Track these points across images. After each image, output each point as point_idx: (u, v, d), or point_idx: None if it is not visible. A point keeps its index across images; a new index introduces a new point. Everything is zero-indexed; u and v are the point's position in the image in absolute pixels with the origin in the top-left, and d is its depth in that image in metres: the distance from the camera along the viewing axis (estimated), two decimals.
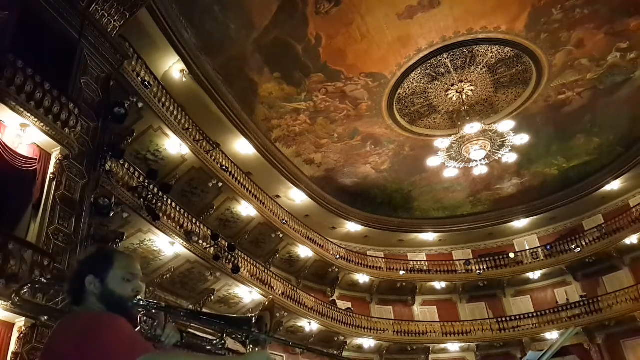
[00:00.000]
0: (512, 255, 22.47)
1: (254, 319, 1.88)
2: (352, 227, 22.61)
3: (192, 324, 2.00)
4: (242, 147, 17.21)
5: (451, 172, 16.88)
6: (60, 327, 1.77)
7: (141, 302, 1.87)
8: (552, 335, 19.53)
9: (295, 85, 16.67)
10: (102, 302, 1.77)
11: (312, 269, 20.97)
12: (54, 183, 8.41)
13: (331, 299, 21.54)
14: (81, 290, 1.80)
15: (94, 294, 1.78)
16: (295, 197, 20.21)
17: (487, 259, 22.81)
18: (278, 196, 19.84)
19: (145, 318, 1.92)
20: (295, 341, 18.84)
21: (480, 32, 15.18)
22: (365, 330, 20.46)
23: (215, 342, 2.01)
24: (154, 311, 1.92)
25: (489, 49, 15.99)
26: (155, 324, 1.92)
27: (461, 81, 17.07)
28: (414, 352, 21.27)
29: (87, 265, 1.85)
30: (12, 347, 7.11)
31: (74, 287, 1.83)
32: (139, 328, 1.87)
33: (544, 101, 18.00)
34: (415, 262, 23.58)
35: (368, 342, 20.51)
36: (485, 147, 15.25)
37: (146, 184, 12.35)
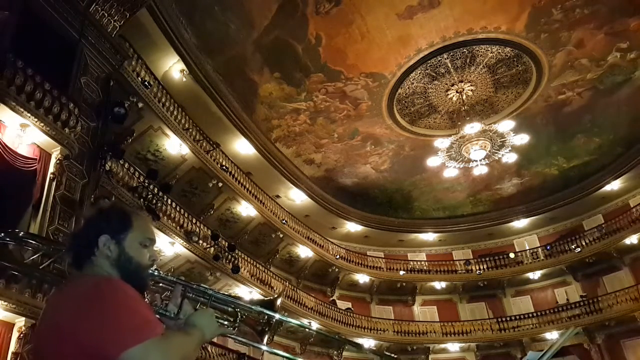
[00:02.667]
0: (512, 255, 22.45)
1: (278, 300, 1.76)
2: (352, 227, 22.60)
3: (207, 304, 1.78)
4: (242, 147, 17.21)
5: (451, 172, 16.87)
6: (58, 293, 1.51)
7: (156, 274, 1.67)
8: (552, 335, 19.51)
9: (295, 85, 16.66)
10: (116, 268, 1.52)
11: (312, 269, 20.97)
12: (54, 183, 8.42)
13: (331, 299, 21.54)
14: (89, 251, 1.53)
15: (107, 256, 1.52)
16: (295, 197, 20.21)
17: (487, 259, 22.80)
18: (278, 196, 19.83)
19: (155, 292, 1.74)
20: (295, 341, 18.88)
21: (480, 32, 15.18)
22: (365, 330, 20.47)
23: (226, 324, 1.83)
24: (165, 285, 1.72)
25: (489, 49, 15.98)
26: (167, 298, 1.72)
27: (461, 81, 17.06)
28: (414, 352, 21.27)
29: (101, 223, 1.56)
30: (12, 347, 7.12)
31: (81, 247, 1.55)
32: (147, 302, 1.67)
33: (544, 101, 18.00)
34: (415, 262, 23.57)
35: (368, 342, 20.49)
36: (485, 147, 15.24)
37: (146, 184, 12.36)
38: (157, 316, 1.53)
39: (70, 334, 1.30)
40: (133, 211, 1.66)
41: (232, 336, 1.89)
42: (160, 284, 1.75)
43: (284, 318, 1.79)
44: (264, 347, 1.85)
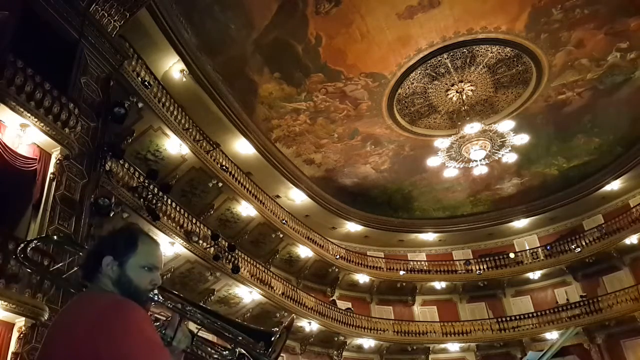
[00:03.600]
0: (512, 255, 22.47)
1: (275, 336, 1.71)
2: (352, 227, 22.61)
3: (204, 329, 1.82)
4: (242, 147, 17.21)
5: (451, 172, 16.86)
6: (76, 304, 1.64)
7: (156, 298, 1.73)
8: (552, 335, 19.52)
9: (295, 85, 16.66)
10: (116, 287, 1.63)
11: (312, 269, 20.96)
12: (54, 183, 8.41)
13: (331, 299, 21.53)
14: (96, 269, 1.66)
15: (109, 276, 1.64)
16: (295, 197, 20.21)
17: (487, 259, 22.81)
18: (278, 196, 19.83)
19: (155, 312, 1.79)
20: (295, 341, 18.86)
21: (480, 32, 15.18)
22: (365, 330, 20.46)
23: (225, 353, 1.85)
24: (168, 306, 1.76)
25: (489, 49, 15.98)
26: (166, 321, 1.76)
27: (461, 81, 17.06)
28: (414, 352, 21.27)
29: (107, 244, 1.69)
30: (12, 347, 7.11)
31: (89, 264, 1.68)
32: None
33: (544, 101, 17.99)
34: (415, 262, 23.58)
35: (368, 342, 20.50)
36: (485, 147, 15.23)
37: (146, 184, 12.35)
38: None
39: (89, 344, 1.41)
40: (142, 235, 1.74)
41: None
42: (168, 302, 1.79)
43: None
44: None
